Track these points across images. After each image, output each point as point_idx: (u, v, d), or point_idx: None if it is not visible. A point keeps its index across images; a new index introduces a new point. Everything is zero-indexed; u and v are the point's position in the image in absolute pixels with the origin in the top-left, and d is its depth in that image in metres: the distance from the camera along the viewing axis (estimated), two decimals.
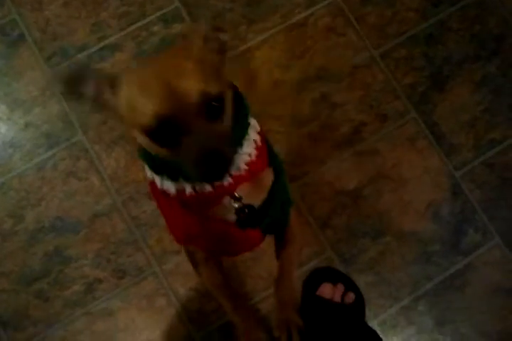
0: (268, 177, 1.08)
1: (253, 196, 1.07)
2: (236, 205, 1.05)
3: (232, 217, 1.06)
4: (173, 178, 0.98)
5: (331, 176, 1.54)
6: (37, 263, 1.51)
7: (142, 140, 0.88)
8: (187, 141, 0.83)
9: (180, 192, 0.99)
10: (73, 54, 1.60)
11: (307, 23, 1.62)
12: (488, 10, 1.64)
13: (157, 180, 1.01)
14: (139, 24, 1.63)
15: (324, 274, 1.40)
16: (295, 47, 1.61)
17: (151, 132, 0.84)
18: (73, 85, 0.89)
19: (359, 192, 1.53)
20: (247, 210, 1.06)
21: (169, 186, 0.99)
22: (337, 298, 1.34)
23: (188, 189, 0.99)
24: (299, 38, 1.61)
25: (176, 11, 1.63)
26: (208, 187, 0.98)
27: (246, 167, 0.99)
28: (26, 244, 1.54)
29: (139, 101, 0.83)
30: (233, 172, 0.99)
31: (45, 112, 1.56)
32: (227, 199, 1.05)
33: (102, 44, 1.61)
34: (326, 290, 1.35)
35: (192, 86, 0.82)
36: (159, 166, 0.98)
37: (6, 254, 1.52)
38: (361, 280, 1.47)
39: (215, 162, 0.82)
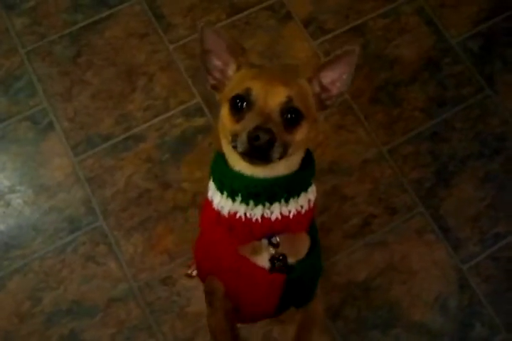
0: (306, 241, 1.13)
1: (289, 252, 1.10)
2: (273, 251, 1.08)
3: (262, 262, 1.09)
4: (232, 198, 1.03)
5: (341, 267, 1.58)
6: None
7: (223, 112, 1.00)
8: (252, 116, 0.95)
9: (232, 214, 1.04)
10: (99, 143, 1.68)
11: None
12: (490, 110, 1.75)
13: (216, 197, 1.06)
14: (163, 117, 1.72)
15: None
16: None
17: (235, 99, 0.98)
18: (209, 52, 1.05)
19: (369, 283, 1.57)
20: (281, 258, 1.08)
21: (224, 205, 1.04)
22: None
23: (241, 212, 1.03)
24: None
25: (197, 105, 1.74)
26: (258, 215, 1.03)
27: (295, 213, 1.04)
28: (42, 326, 1.56)
29: (246, 80, 1.00)
30: (284, 211, 1.04)
31: (69, 197, 1.62)
32: (265, 242, 1.08)
33: (126, 134, 1.70)
34: None
35: (286, 90, 0.97)
36: (224, 181, 1.04)
37: (22, 336, 1.53)
38: None
39: (264, 141, 0.91)
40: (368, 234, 1.62)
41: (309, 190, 1.09)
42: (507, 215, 1.64)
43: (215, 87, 1.09)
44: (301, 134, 1.00)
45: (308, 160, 1.08)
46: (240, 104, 0.98)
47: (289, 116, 0.97)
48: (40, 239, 1.60)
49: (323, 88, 1.06)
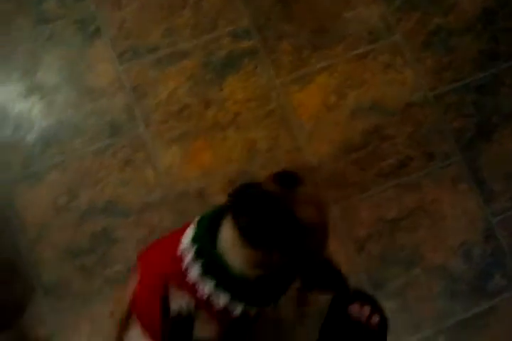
0: None
1: None
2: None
3: None
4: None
5: (372, 203, 1.58)
6: (84, 240, 1.56)
7: None
8: None
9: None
10: (144, 54, 1.66)
11: (368, 56, 1.68)
12: None
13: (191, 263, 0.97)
14: (210, 36, 1.69)
15: (354, 294, 1.43)
16: (353, 77, 1.67)
17: None
18: None
19: (397, 222, 1.57)
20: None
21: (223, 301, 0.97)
22: (363, 319, 1.36)
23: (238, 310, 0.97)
24: (358, 69, 1.68)
25: (246, 27, 1.69)
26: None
27: None
28: (77, 221, 1.59)
29: None
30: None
31: (112, 103, 1.62)
32: None
33: (172, 49, 1.67)
34: (354, 309, 1.38)
35: None
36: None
37: (57, 227, 1.56)
38: (387, 306, 1.49)
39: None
40: (403, 176, 1.60)
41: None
42: None
43: None
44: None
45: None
46: None
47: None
48: (80, 139, 1.61)
49: None
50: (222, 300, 0.95)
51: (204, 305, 0.95)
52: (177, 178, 1.59)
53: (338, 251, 1.55)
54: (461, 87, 1.69)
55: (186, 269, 0.96)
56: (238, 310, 0.96)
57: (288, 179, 0.90)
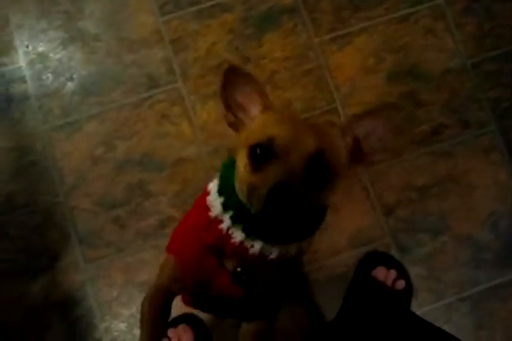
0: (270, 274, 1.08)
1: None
2: (238, 269, 1.03)
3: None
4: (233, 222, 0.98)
5: (403, 169, 1.58)
6: (119, 192, 1.59)
7: (240, 157, 0.91)
8: (274, 169, 0.84)
9: (226, 233, 0.99)
10: (185, 6, 1.64)
11: (409, 19, 1.65)
12: None
13: (216, 207, 1.00)
14: None
15: (380, 258, 1.45)
16: (393, 40, 1.65)
17: (254, 148, 0.87)
18: (232, 84, 0.94)
19: (427, 189, 1.57)
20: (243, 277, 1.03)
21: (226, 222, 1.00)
22: (389, 283, 1.39)
23: (238, 238, 0.98)
24: (398, 32, 1.65)
25: None
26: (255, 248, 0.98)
27: (276, 256, 0.99)
28: (113, 172, 1.62)
29: (270, 126, 0.89)
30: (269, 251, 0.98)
31: (151, 55, 1.61)
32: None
33: (213, 2, 1.64)
34: (380, 273, 1.40)
35: (316, 140, 0.86)
36: (230, 205, 0.98)
37: (93, 177, 1.60)
38: (412, 272, 1.52)
39: (286, 198, 0.80)
40: (436, 143, 1.60)
41: (303, 241, 1.01)
42: None
43: (233, 125, 0.99)
44: (330, 194, 0.89)
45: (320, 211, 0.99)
46: (261, 154, 0.86)
47: (318, 172, 0.85)
48: (119, 90, 1.61)
49: (357, 141, 0.94)
50: (256, 246, 0.97)
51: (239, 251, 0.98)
52: (212, 134, 1.58)
53: (368, 214, 1.55)
54: (500, 56, 1.67)
55: (217, 221, 0.99)
56: (275, 252, 0.98)
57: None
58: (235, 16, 1.64)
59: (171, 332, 1.34)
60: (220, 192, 1.00)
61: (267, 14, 1.65)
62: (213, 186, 1.03)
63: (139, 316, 1.11)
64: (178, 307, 1.18)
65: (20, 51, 1.65)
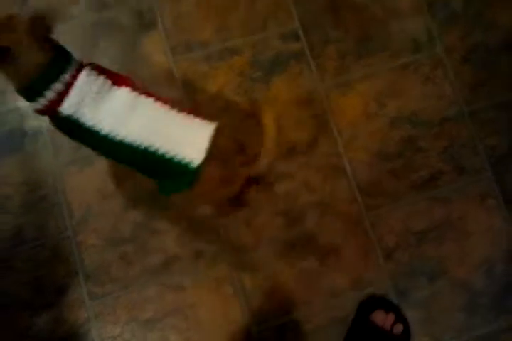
0: None
1: None
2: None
3: None
4: None
5: (402, 214, 1.63)
6: (127, 228, 1.67)
7: None
8: None
9: None
10: (196, 49, 1.70)
11: (409, 67, 1.72)
12: None
13: None
14: (259, 36, 1.73)
15: (379, 302, 1.49)
16: (394, 87, 1.71)
17: None
18: None
19: (425, 234, 1.62)
20: None
21: None
22: (387, 326, 1.42)
23: None
24: (399, 79, 1.72)
25: (294, 30, 1.74)
26: None
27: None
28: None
29: None
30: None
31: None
32: None
33: (223, 45, 1.71)
34: (379, 316, 1.43)
35: None
36: None
37: (102, 213, 1.67)
38: (410, 315, 1.55)
39: None
40: (433, 189, 1.66)
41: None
42: None
43: None
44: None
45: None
46: None
47: None
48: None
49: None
50: None
51: None
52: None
53: (368, 257, 1.59)
54: (497, 104, 1.72)
55: None
56: None
57: None
58: (243, 60, 1.69)
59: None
60: None
61: (274, 58, 1.72)
62: None
63: None
64: None
65: None
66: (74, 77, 1.17)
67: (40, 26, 1.13)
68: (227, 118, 1.67)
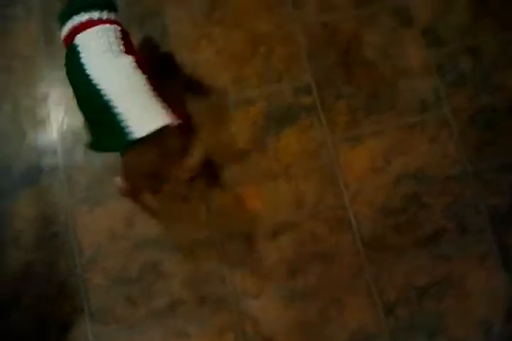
0: None
1: None
2: None
3: None
4: None
5: (404, 268, 1.66)
6: (134, 269, 1.70)
7: None
8: None
9: None
10: (212, 97, 1.78)
11: (416, 126, 1.77)
12: None
13: None
14: (274, 88, 1.80)
15: None
16: (401, 144, 1.76)
17: None
18: None
19: (426, 290, 1.65)
20: None
21: None
22: None
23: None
24: (406, 137, 1.77)
25: (308, 84, 1.81)
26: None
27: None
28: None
29: None
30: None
31: None
32: None
33: (240, 94, 1.77)
34: None
35: None
36: None
37: (111, 253, 1.69)
38: None
39: None
40: (436, 246, 1.69)
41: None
42: None
43: None
44: None
45: None
46: None
47: None
48: None
49: None
50: None
51: None
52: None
53: (369, 310, 1.61)
54: (501, 165, 1.79)
55: None
56: None
57: None
58: (257, 110, 1.75)
59: None
60: None
61: (286, 110, 1.79)
62: None
63: None
64: None
65: (55, 125, 1.74)
66: (103, 22, 1.37)
67: None
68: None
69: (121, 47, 1.34)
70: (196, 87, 1.79)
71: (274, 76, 1.80)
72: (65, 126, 1.76)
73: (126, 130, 1.21)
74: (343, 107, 1.78)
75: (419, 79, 1.83)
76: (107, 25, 1.36)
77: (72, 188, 1.68)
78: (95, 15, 1.37)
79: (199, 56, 1.83)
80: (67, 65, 1.38)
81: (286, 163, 1.72)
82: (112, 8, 1.42)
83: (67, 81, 1.38)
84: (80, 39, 1.35)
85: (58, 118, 1.76)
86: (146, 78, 1.31)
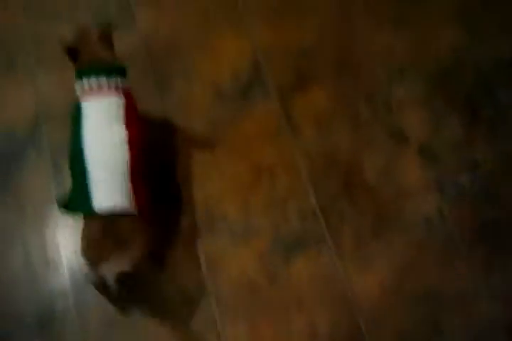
0: None
1: None
2: None
3: None
4: None
5: None
6: None
7: None
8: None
9: None
10: (224, 228, 1.85)
11: (423, 245, 1.80)
12: None
13: None
14: (280, 215, 1.87)
15: None
16: (409, 265, 1.80)
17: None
18: None
19: None
20: None
21: None
22: None
23: None
24: (414, 257, 1.81)
25: (313, 209, 1.89)
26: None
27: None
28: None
29: None
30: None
31: None
32: None
33: (245, 223, 1.87)
34: None
35: None
36: None
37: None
38: None
39: None
40: None
41: None
42: None
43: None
44: None
45: None
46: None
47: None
48: None
49: None
50: None
51: None
52: None
53: None
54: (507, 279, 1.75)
55: None
56: None
57: None
58: (264, 238, 1.84)
59: None
60: None
61: (294, 238, 1.85)
62: None
63: None
64: None
65: (67, 270, 1.77)
66: (110, 89, 1.50)
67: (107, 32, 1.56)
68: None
69: (122, 119, 1.49)
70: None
71: (279, 204, 1.88)
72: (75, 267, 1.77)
73: (90, 199, 1.36)
74: (348, 230, 1.83)
75: (421, 197, 1.88)
76: (113, 98, 1.51)
77: (85, 328, 1.68)
78: (106, 82, 1.50)
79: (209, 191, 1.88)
80: (71, 117, 1.54)
81: (297, 292, 1.70)
82: (123, 74, 1.55)
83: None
84: (86, 106, 1.50)
85: (68, 266, 1.76)
86: (133, 155, 1.47)
